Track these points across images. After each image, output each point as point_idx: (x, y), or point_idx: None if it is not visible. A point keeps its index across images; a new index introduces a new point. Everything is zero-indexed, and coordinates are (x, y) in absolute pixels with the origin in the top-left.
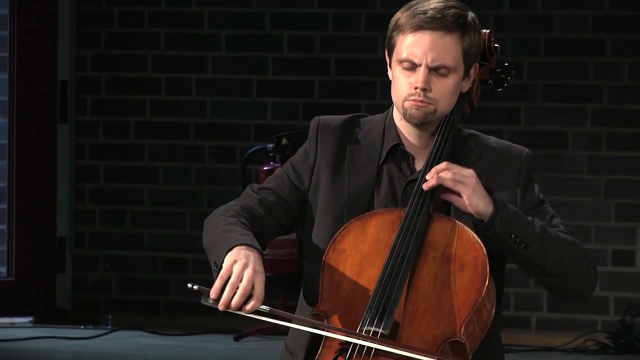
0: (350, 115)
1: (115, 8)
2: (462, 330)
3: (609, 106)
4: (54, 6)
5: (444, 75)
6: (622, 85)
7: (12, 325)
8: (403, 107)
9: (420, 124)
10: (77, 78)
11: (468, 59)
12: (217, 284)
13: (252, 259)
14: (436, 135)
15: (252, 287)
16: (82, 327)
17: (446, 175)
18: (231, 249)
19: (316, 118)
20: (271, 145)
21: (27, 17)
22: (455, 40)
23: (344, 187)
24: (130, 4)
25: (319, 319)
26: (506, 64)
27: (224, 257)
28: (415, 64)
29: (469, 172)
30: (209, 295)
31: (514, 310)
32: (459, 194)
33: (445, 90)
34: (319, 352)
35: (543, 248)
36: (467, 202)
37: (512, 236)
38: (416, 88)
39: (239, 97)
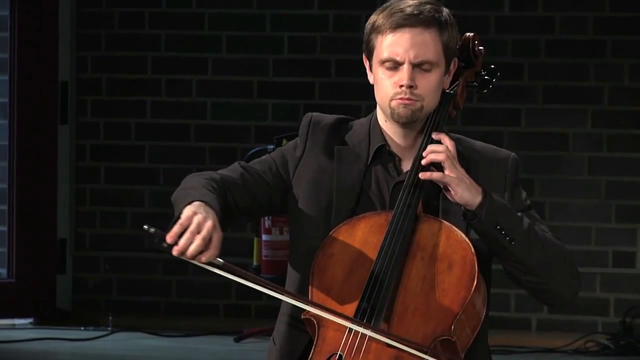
0: (340, 116)
1: (115, 9)
2: (452, 328)
3: (610, 107)
4: (55, 7)
5: (428, 71)
6: (623, 86)
7: (13, 327)
8: (390, 107)
9: (407, 123)
10: (78, 79)
11: (448, 53)
12: (176, 229)
13: (211, 215)
14: (422, 136)
15: (210, 239)
16: (82, 328)
17: (437, 157)
18: (191, 202)
19: (309, 114)
20: (272, 147)
21: (27, 18)
22: (435, 35)
23: (332, 184)
24: (131, 5)
25: (309, 323)
26: (492, 66)
27: (183, 208)
28: (398, 62)
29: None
30: (164, 240)
31: (515, 312)
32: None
33: (430, 86)
34: (310, 355)
35: (529, 244)
36: (452, 193)
37: (498, 227)
38: (401, 86)
39: (240, 99)
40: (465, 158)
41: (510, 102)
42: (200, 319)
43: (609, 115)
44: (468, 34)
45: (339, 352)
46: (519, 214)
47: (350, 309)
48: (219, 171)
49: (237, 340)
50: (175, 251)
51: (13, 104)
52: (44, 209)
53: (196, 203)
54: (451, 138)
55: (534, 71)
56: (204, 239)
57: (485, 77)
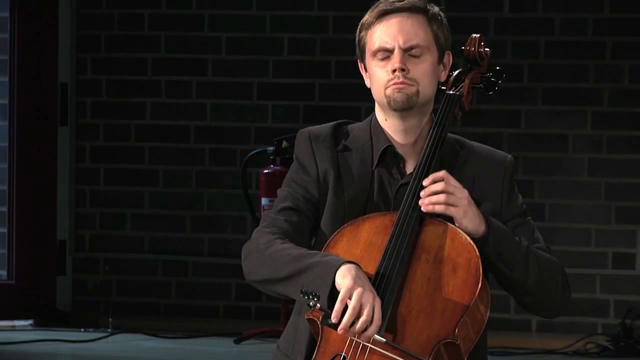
0: (335, 123)
1: (115, 11)
2: (456, 331)
3: (609, 109)
4: (55, 9)
5: (418, 56)
6: (623, 87)
7: (13, 328)
8: (386, 96)
9: (406, 109)
10: (78, 81)
11: (439, 41)
12: (338, 307)
13: (367, 282)
14: (427, 138)
15: (372, 314)
16: (82, 330)
17: (438, 199)
18: (338, 268)
19: (303, 131)
20: (271, 148)
21: (27, 20)
22: (422, 21)
23: (343, 193)
24: (131, 6)
25: (312, 323)
26: (497, 68)
27: (332, 278)
28: (389, 50)
29: (463, 194)
30: (329, 316)
31: (515, 314)
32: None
33: (423, 70)
34: (313, 356)
35: (527, 270)
36: (457, 224)
37: (501, 257)
38: (394, 71)
39: (239, 100)
40: (463, 159)
41: (510, 103)
42: (200, 320)
43: (609, 117)
44: (474, 35)
45: (342, 354)
46: (516, 238)
47: None
48: (264, 229)
49: (237, 342)
50: (340, 330)
51: (13, 105)
52: (44, 211)
53: (345, 268)
54: (451, 139)
55: (533, 72)
56: (368, 316)
57: (491, 79)
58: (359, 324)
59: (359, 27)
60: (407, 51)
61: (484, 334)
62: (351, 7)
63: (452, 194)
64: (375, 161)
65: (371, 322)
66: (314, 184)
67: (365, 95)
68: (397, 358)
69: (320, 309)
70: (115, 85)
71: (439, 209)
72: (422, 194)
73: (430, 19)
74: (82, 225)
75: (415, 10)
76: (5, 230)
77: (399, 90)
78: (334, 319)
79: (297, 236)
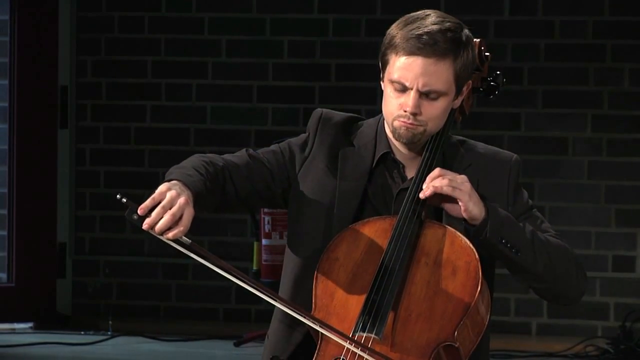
0: (350, 115)
1: (115, 13)
2: (456, 334)
3: (609, 112)
4: (54, 11)
5: (434, 99)
6: (623, 90)
7: (13, 331)
8: (392, 126)
9: (408, 143)
10: (78, 83)
11: (460, 80)
12: (148, 202)
13: (185, 193)
14: (427, 145)
15: (180, 217)
16: (82, 332)
17: (442, 182)
18: (170, 180)
19: (319, 110)
20: None
21: (27, 23)
22: (448, 65)
23: (335, 185)
24: (131, 9)
25: (311, 328)
26: (498, 72)
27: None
28: (406, 87)
29: (463, 178)
30: (136, 212)
31: (514, 316)
32: (454, 200)
33: (435, 112)
34: (313, 359)
35: (534, 253)
36: (463, 208)
37: (503, 241)
38: (406, 111)
39: (240, 103)
40: (467, 161)
41: (510, 106)
42: (200, 323)
43: (609, 120)
44: (475, 39)
45: (342, 357)
46: (520, 223)
47: (354, 314)
48: (226, 156)
49: (237, 345)
50: (145, 225)
51: (13, 108)
52: (44, 213)
53: (173, 182)
54: (454, 141)
55: (533, 75)
56: (173, 215)
57: (492, 83)
58: (162, 221)
59: (388, 37)
60: (424, 94)
61: (485, 337)
62: (351, 10)
63: (452, 179)
64: (375, 162)
65: (176, 225)
66: (300, 160)
67: (366, 99)
68: (398, 354)
69: (128, 202)
70: (115, 88)
71: (447, 190)
72: (423, 185)
73: (457, 57)
74: (82, 228)
75: (443, 55)
76: (5, 232)
77: (407, 128)
78: (139, 210)
79: (245, 179)
